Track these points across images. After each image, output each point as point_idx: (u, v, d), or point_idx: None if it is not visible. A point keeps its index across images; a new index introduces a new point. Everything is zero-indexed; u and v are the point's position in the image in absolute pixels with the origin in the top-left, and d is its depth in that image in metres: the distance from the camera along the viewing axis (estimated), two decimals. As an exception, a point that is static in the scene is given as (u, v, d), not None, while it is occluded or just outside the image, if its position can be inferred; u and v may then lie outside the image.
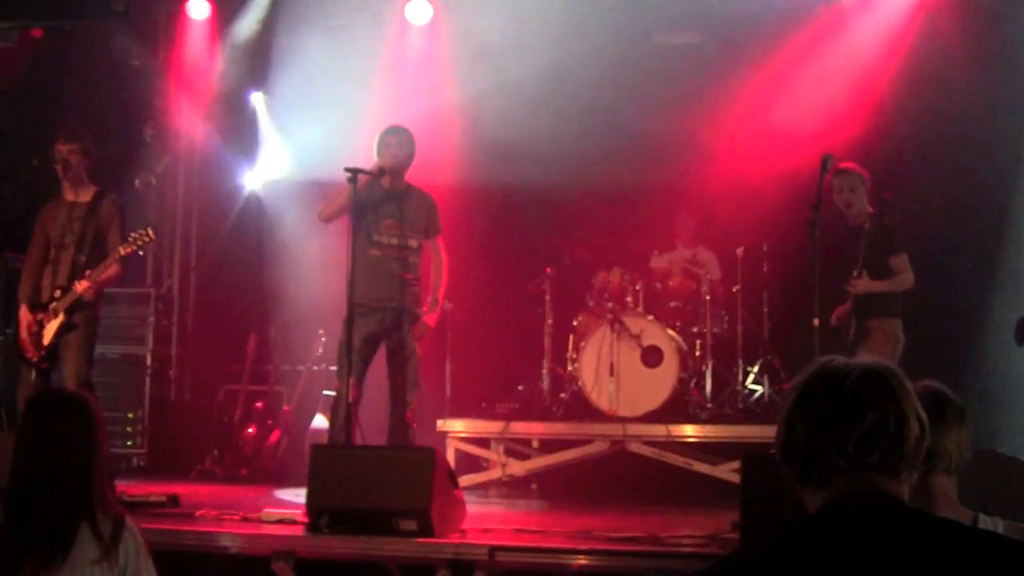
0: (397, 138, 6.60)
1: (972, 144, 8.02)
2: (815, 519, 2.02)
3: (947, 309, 7.79)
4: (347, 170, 6.20)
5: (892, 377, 2.06)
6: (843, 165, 6.48)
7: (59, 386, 6.13)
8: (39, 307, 6.39)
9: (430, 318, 6.63)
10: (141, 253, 6.45)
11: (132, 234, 6.31)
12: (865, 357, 2.11)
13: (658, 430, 7.42)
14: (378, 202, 6.55)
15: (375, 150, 6.58)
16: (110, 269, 6.32)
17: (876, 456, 2.01)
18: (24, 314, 6.43)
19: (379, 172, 6.45)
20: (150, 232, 6.31)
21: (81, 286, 6.26)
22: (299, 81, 9.15)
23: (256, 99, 9.83)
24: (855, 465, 2.01)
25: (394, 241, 6.56)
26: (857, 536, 1.95)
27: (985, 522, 2.74)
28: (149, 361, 9.12)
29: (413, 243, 6.62)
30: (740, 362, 8.21)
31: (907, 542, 1.93)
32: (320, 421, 8.53)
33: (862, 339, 6.36)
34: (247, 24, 9.27)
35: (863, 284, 6.36)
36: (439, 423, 7.75)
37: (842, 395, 2.03)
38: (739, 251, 8.39)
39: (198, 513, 5.71)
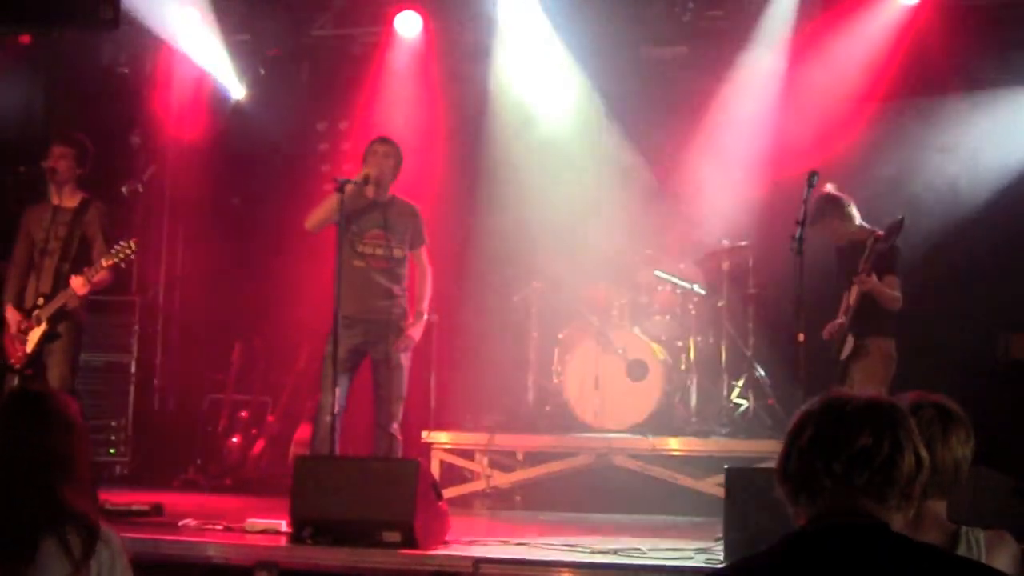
0: (384, 147, 6.64)
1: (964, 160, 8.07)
2: (791, 536, 2.05)
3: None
4: (334, 179, 6.25)
5: (895, 410, 2.11)
6: (811, 209, 6.02)
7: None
8: (22, 313, 6.36)
9: (414, 330, 6.63)
10: (123, 266, 6.40)
11: (116, 246, 6.29)
12: (860, 379, 2.17)
13: (643, 443, 7.43)
14: (362, 212, 6.56)
15: (364, 159, 6.62)
16: (100, 273, 6.30)
17: (863, 479, 2.04)
18: (12, 314, 6.39)
19: (364, 180, 6.46)
20: (132, 244, 6.29)
21: (77, 281, 6.22)
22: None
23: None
24: (841, 485, 2.04)
25: (379, 252, 6.56)
26: (823, 553, 1.98)
27: (967, 533, 2.75)
28: (134, 369, 9.06)
29: (398, 253, 6.62)
30: (725, 376, 8.21)
31: (870, 562, 1.95)
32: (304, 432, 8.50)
33: (858, 356, 6.27)
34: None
35: (872, 281, 6.18)
36: (424, 434, 7.73)
37: (840, 419, 2.08)
38: (725, 265, 8.40)
39: (181, 523, 5.69)
